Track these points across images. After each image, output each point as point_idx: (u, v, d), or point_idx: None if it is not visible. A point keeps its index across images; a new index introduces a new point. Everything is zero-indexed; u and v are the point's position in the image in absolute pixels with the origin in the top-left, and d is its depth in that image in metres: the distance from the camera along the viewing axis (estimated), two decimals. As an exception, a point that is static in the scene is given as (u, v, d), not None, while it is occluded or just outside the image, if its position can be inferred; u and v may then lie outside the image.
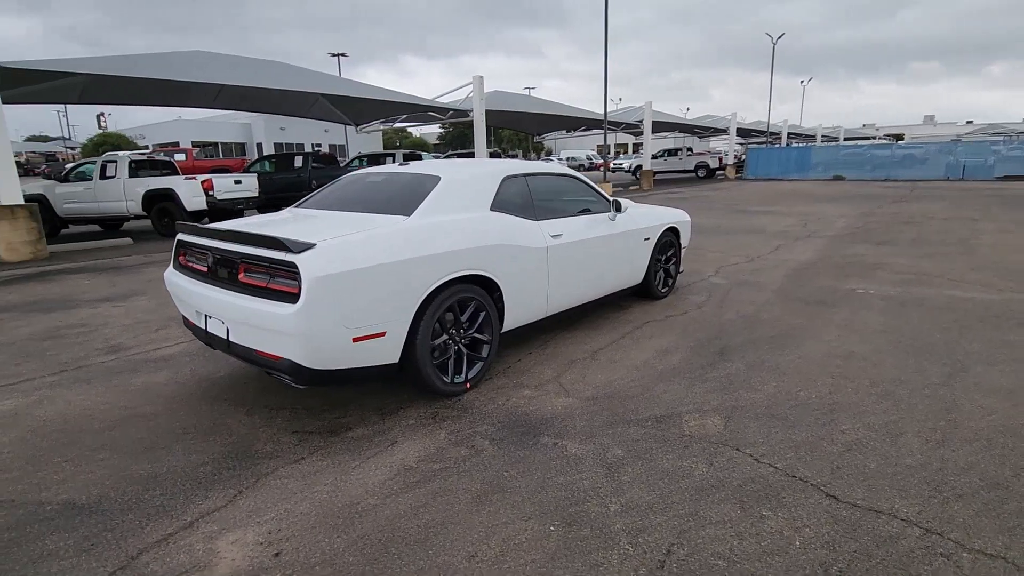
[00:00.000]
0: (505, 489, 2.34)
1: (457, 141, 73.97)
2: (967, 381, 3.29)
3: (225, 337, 2.92)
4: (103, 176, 11.16)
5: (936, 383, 3.28)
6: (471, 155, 18.01)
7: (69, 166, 12.73)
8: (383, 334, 2.84)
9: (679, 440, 2.71)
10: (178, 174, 11.78)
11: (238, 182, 11.63)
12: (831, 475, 2.38)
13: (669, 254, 5.45)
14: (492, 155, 19.04)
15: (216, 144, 49.55)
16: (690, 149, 31.31)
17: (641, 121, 23.72)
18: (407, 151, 17.47)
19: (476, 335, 3.39)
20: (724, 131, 32.18)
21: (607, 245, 4.39)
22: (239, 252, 2.85)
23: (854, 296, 5.29)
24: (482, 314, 3.39)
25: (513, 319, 3.64)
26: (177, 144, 48.92)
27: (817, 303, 5.09)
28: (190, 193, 10.70)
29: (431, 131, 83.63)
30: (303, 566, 1.92)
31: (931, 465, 2.44)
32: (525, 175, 3.94)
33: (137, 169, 11.35)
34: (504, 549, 1.98)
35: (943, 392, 3.16)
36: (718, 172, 30.37)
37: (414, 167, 3.91)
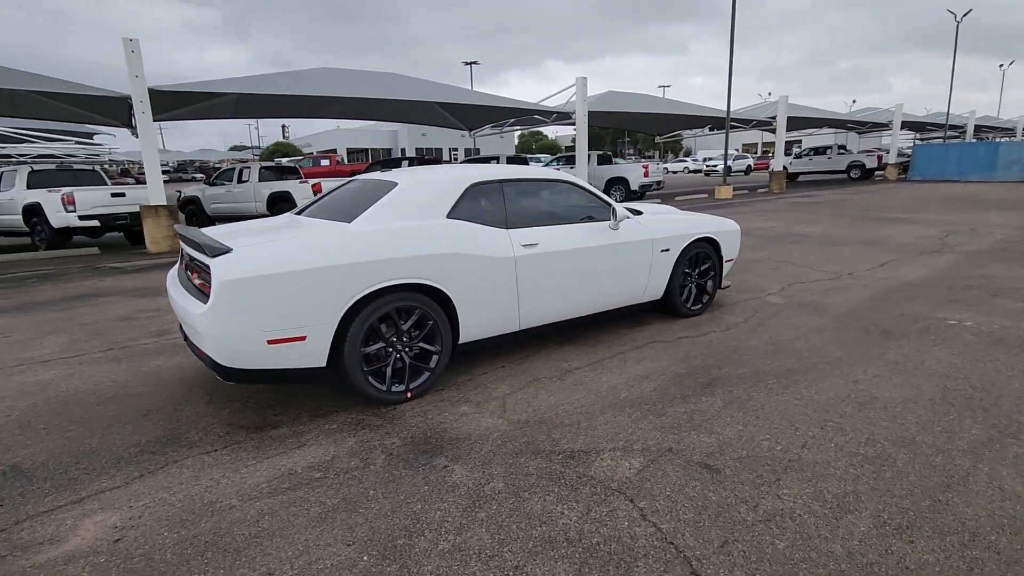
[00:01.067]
0: (356, 509, 2.27)
1: (592, 141, 74.22)
2: (1006, 453, 2.52)
3: (183, 332, 3.20)
4: (239, 180, 12.86)
5: (960, 449, 2.56)
6: (572, 159, 17.79)
7: (219, 172, 14.83)
8: (303, 338, 2.91)
9: (575, 480, 2.41)
10: (300, 179, 13.17)
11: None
12: (716, 550, 1.96)
13: (704, 267, 4.89)
14: (602, 158, 18.61)
15: (367, 150, 54.56)
16: (842, 147, 27.85)
17: (775, 117, 21.60)
18: (512, 155, 17.74)
19: (423, 345, 3.34)
20: (886, 126, 28.11)
21: (605, 256, 4.06)
22: (191, 255, 3.10)
23: (939, 328, 4.31)
24: (429, 324, 3.32)
25: (473, 331, 3.52)
26: (335, 151, 54.81)
27: (881, 333, 4.24)
28: (300, 195, 11.92)
29: (567, 132, 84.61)
30: (126, 556, 2.03)
31: (863, 557, 1.90)
32: (501, 181, 3.78)
33: (266, 174, 12.89)
34: (303, 572, 1.92)
35: (959, 462, 2.45)
36: (876, 172, 26.65)
37: (389, 174, 3.95)
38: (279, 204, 12.17)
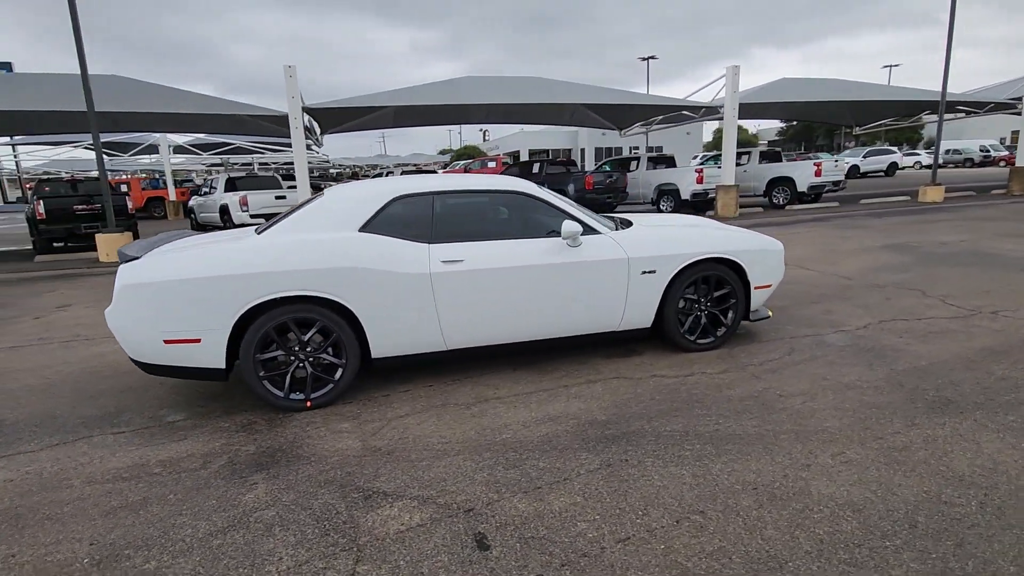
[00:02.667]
0: (141, 510, 2.39)
1: (801, 135, 65.81)
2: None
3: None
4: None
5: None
6: (730, 154, 15.91)
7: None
8: (198, 341, 3.15)
9: (338, 525, 2.22)
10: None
11: (281, 197, 13.07)
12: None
13: (721, 293, 4.07)
14: (767, 155, 16.45)
15: (547, 151, 56.15)
16: None
17: (1020, 98, 16.83)
18: (654, 155, 16.66)
19: (325, 357, 3.36)
20: None
21: (556, 276, 3.62)
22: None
23: (1041, 404, 2.98)
24: (332, 336, 3.34)
25: (387, 347, 3.44)
26: (518, 153, 57.37)
27: (937, 402, 3.08)
28: (235, 208, 12.75)
29: (770, 126, 76.31)
30: (-37, 512, 2.44)
31: None
32: (433, 194, 3.60)
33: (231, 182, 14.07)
34: (36, 560, 2.10)
35: (813, 614, 1.68)
36: None
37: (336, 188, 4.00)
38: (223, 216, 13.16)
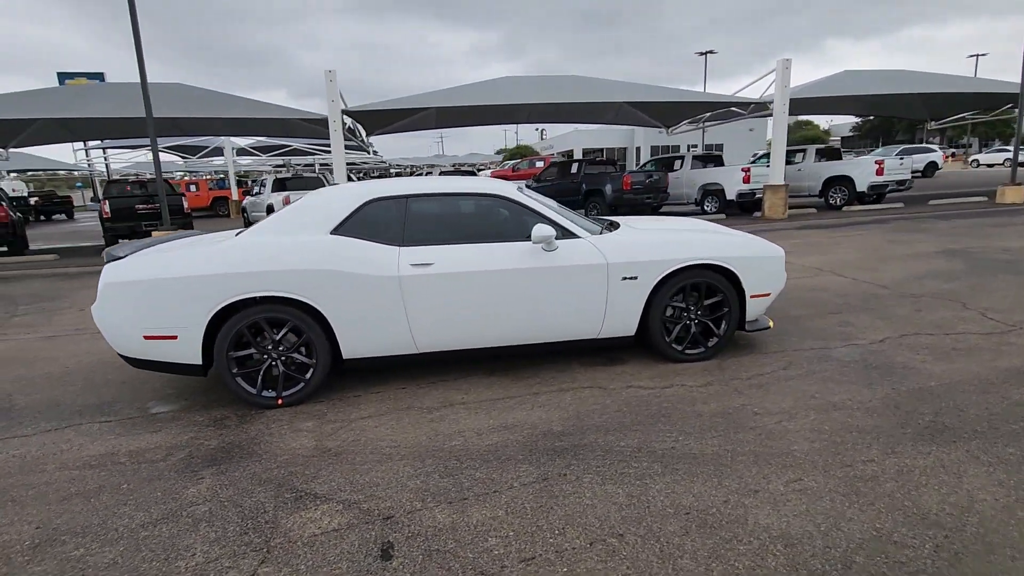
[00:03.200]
0: (93, 498, 2.52)
1: (877, 131, 61.70)
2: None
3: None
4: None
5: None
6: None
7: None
8: (175, 337, 3.29)
9: (260, 526, 2.26)
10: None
11: None
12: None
13: (713, 302, 3.86)
14: (825, 152, 15.52)
15: (602, 150, 55.37)
16: None
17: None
18: (699, 153, 16.06)
19: (296, 356, 3.44)
20: None
21: (530, 280, 3.55)
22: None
23: (1053, 436, 2.65)
24: (302, 337, 3.41)
25: (358, 348, 3.48)
26: (572, 152, 56.96)
27: (931, 428, 2.80)
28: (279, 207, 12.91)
29: (844, 121, 72.09)
30: (-55, 490, 2.66)
31: None
32: (407, 197, 3.61)
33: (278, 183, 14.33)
34: (-14, 540, 2.26)
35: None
36: None
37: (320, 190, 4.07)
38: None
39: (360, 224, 3.52)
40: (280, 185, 13.96)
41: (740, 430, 2.87)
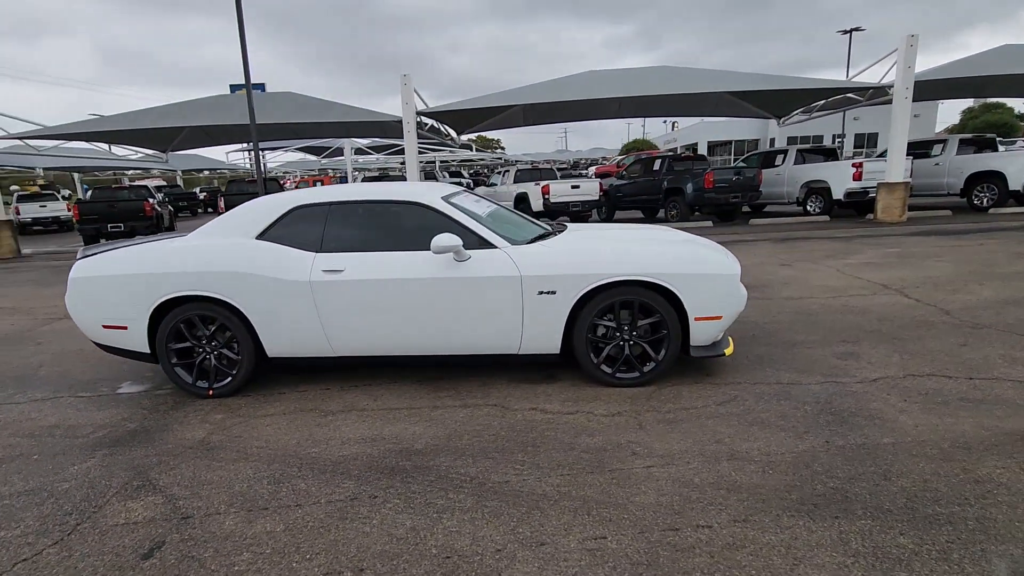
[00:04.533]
0: None
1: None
2: None
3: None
4: (503, 181, 14.66)
5: None
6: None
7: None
8: (125, 328, 3.71)
9: (69, 509, 2.49)
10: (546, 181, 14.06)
11: (575, 187, 12.92)
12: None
13: (650, 323, 3.48)
14: (975, 142, 13.05)
15: (729, 142, 51.57)
16: None
17: None
18: (806, 146, 14.29)
19: (225, 352, 3.70)
20: None
21: (438, 291, 3.47)
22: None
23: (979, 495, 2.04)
24: (227, 333, 3.66)
25: (279, 348, 3.67)
26: (696, 145, 53.99)
27: (830, 500, 2.29)
28: (535, 196, 12.79)
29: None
30: (-74, 443, 3.26)
31: None
32: (330, 204, 3.69)
33: (520, 175, 14.32)
34: (-91, 489, 2.74)
35: None
36: None
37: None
38: (520, 205, 13.39)
39: (284, 230, 3.68)
40: (521, 176, 14.17)
41: (597, 471, 2.58)
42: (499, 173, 15.04)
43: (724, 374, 3.69)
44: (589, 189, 13.12)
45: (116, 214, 14.62)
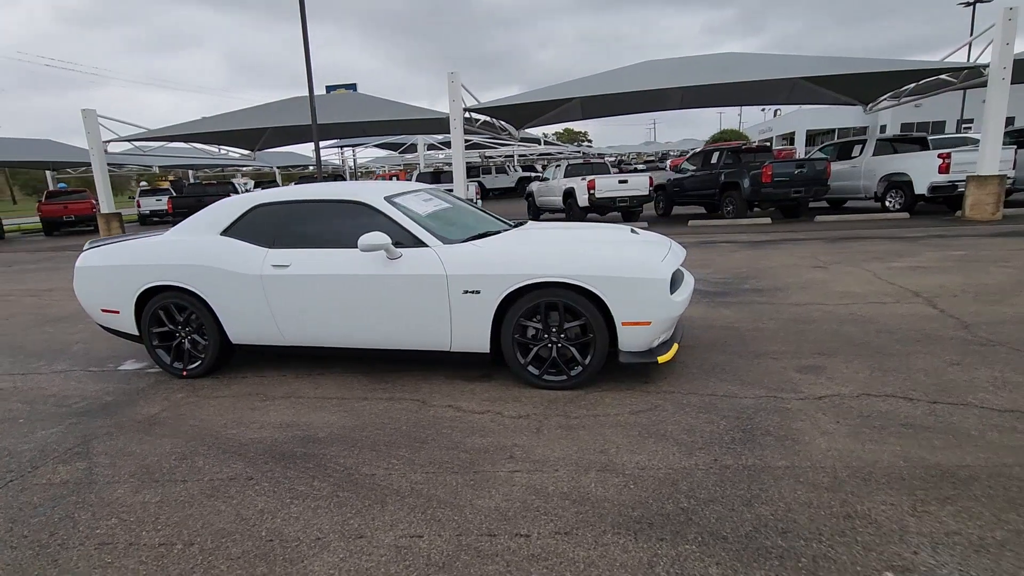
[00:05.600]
0: (-4, 425, 3.46)
1: None
2: None
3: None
4: (554, 175, 14.56)
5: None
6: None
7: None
8: (118, 312, 4.19)
9: (32, 466, 2.88)
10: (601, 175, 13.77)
11: (623, 182, 12.56)
12: None
13: (576, 325, 3.41)
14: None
15: (833, 131, 47.39)
16: None
17: None
18: (890, 136, 12.86)
19: (195, 337, 4.08)
20: None
21: (371, 287, 3.60)
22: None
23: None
24: (197, 321, 4.03)
25: (240, 335, 3.98)
26: (793, 134, 50.32)
27: (659, 522, 2.17)
28: (581, 191, 12.61)
29: None
30: (-45, 403, 3.89)
31: None
32: (285, 203, 3.93)
33: (570, 168, 14.14)
34: (-81, 441, 3.30)
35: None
36: None
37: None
38: (568, 200, 13.26)
39: (245, 227, 3.97)
40: (571, 171, 14.12)
41: (462, 472, 2.60)
42: (555, 167, 14.93)
43: (663, 381, 3.53)
44: (637, 184, 12.70)
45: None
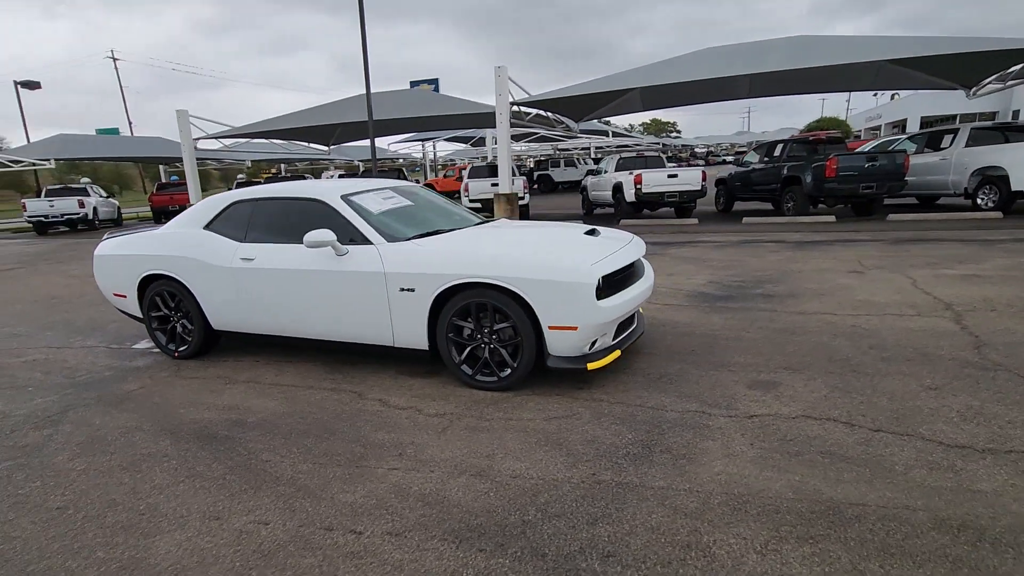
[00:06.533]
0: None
1: None
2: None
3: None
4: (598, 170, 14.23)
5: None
6: None
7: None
8: (126, 296, 4.67)
9: (19, 429, 3.31)
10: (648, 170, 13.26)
11: (672, 176, 12.02)
12: None
13: (505, 327, 3.38)
14: None
15: (954, 116, 42.29)
16: None
17: None
18: (988, 124, 11.28)
19: (184, 322, 4.46)
20: None
21: (320, 282, 3.77)
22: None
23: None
24: (183, 306, 4.40)
25: (220, 322, 4.31)
26: (905, 121, 45.70)
27: (456, 529, 2.14)
28: (628, 186, 12.24)
29: None
30: (-6, 370, 4.53)
31: None
32: (256, 200, 4.18)
33: (623, 162, 13.74)
34: (-51, 401, 3.89)
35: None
36: None
37: None
38: (616, 195, 12.91)
39: (223, 222, 4.28)
40: (624, 164, 13.99)
41: (346, 465, 2.68)
42: (608, 161, 14.59)
43: (598, 388, 3.41)
44: (688, 179, 12.11)
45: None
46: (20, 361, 4.71)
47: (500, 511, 2.25)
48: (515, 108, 13.08)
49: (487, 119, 14.69)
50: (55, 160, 21.21)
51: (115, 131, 33.70)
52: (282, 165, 35.98)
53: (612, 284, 3.42)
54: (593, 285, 3.18)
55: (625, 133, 34.21)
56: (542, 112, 14.56)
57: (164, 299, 4.50)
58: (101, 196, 20.98)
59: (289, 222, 4.07)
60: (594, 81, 13.79)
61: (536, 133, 24.89)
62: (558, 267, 3.23)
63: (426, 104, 14.77)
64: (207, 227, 4.33)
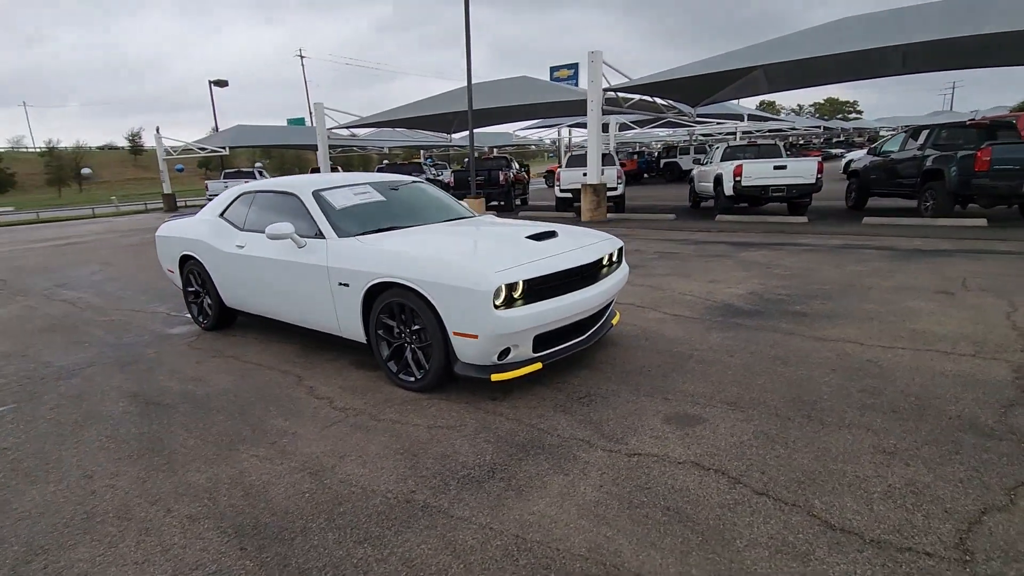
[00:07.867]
0: (48, 331, 4.89)
1: None
2: None
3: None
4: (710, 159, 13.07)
5: None
6: None
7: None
8: (173, 271, 5.42)
9: (25, 380, 4.07)
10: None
11: (779, 168, 10.64)
12: (-83, 412, 3.51)
13: (418, 327, 3.37)
14: None
15: None
16: None
17: None
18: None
19: (207, 298, 5.07)
20: None
21: (283, 272, 4.05)
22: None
23: None
24: (206, 284, 5.00)
25: (230, 300, 4.83)
26: None
27: (236, 528, 2.19)
28: (728, 178, 11.14)
29: None
30: None
31: None
32: (255, 192, 4.57)
33: (730, 151, 12.52)
34: None
35: None
36: None
37: None
38: (717, 188, 11.82)
39: (232, 211, 4.76)
40: (731, 153, 12.87)
41: (225, 447, 2.89)
42: (715, 149, 13.39)
43: (507, 403, 3.25)
44: (800, 171, 10.61)
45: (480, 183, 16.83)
46: (102, 319, 5.73)
47: (295, 514, 2.29)
48: (611, 94, 12.55)
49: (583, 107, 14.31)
50: (229, 148, 24.90)
51: (301, 121, 37.95)
52: (422, 152, 38.40)
53: (536, 292, 3.21)
54: (489, 293, 3.01)
55: (769, 116, 30.79)
56: (646, 97, 13.78)
57: (195, 276, 5.15)
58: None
59: (274, 214, 4.41)
60: (704, 61, 12.67)
61: (662, 118, 23.63)
62: (460, 272, 3.12)
63: (520, 92, 14.77)
64: (221, 215, 4.86)
